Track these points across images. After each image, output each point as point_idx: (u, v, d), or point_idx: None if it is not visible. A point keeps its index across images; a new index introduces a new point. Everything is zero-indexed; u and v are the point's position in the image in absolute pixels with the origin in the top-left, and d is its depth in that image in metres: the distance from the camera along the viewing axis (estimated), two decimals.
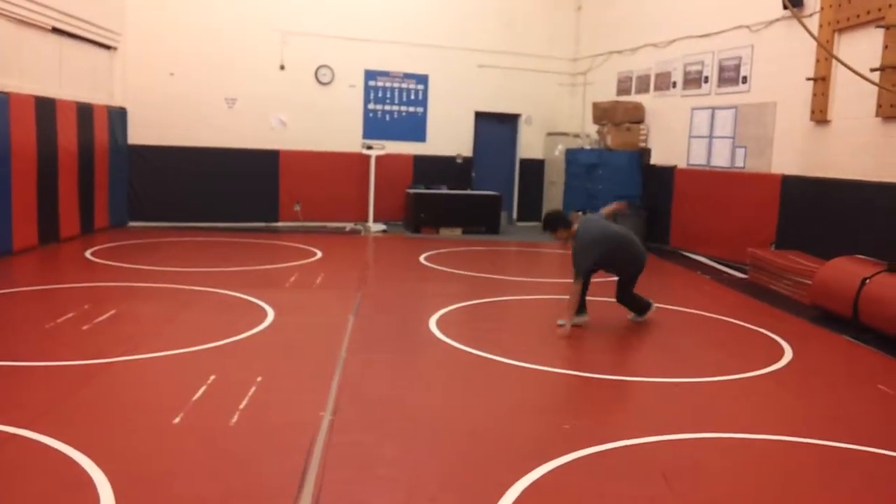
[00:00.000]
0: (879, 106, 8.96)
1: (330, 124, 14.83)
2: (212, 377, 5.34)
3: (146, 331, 6.60)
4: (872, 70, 8.82)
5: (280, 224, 14.63)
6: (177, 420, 4.54)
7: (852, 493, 4.04)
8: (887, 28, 8.79)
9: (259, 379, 5.35)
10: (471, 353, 6.33)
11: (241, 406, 4.81)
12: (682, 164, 13.11)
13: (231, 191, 14.22)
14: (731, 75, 11.97)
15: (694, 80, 12.86)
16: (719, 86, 12.26)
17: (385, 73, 15.25)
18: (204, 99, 13.98)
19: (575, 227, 7.21)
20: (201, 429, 4.45)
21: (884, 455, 4.50)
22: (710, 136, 12.41)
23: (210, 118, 14.06)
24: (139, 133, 13.63)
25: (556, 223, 7.33)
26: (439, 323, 7.25)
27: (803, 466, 4.39)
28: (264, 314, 7.28)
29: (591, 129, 15.25)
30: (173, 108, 13.79)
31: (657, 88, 13.91)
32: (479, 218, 14.79)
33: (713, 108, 12.35)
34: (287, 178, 14.61)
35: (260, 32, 14.21)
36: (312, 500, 3.63)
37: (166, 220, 13.75)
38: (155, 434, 4.37)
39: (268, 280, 9.13)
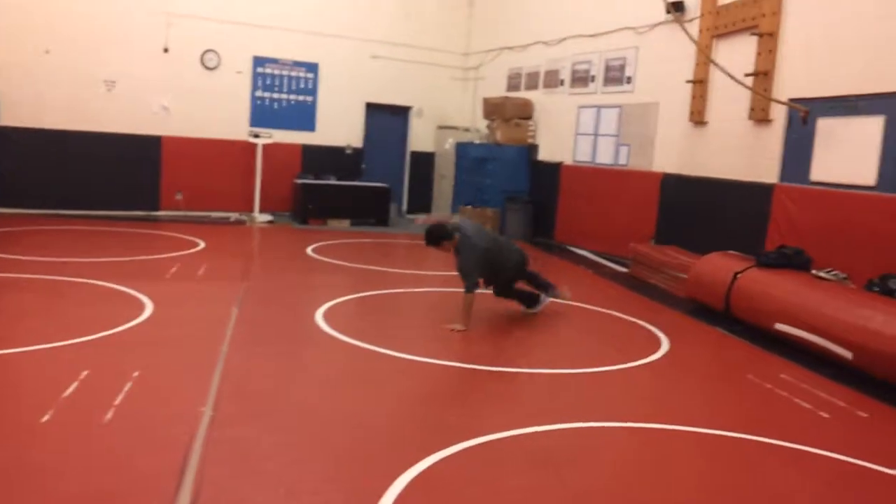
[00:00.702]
0: (752, 109, 9.43)
1: (215, 111, 14.38)
2: (84, 372, 5.08)
3: (12, 324, 6.24)
4: (746, 75, 9.27)
5: (161, 213, 14.09)
6: (45, 418, 4.29)
7: (727, 478, 4.23)
8: (760, 36, 9.25)
9: (136, 374, 5.13)
10: (357, 345, 6.28)
11: (116, 402, 4.60)
12: (568, 161, 13.42)
13: (109, 177, 13.58)
14: (616, 75, 12.33)
15: (581, 78, 13.18)
16: (605, 85, 12.60)
17: (274, 61, 14.91)
18: (81, 80, 13.27)
19: (457, 237, 7.18)
20: (72, 426, 4.23)
21: (754, 441, 4.73)
22: (596, 134, 12.75)
23: (88, 100, 13.36)
24: (9, 113, 12.80)
25: (439, 237, 7.19)
26: (326, 315, 7.16)
27: (681, 453, 4.57)
28: (143, 306, 6.99)
29: (482, 123, 15.41)
30: (48, 89, 13.02)
31: (546, 86, 14.17)
32: (369, 210, 14.69)
33: (599, 107, 12.69)
34: (169, 166, 14.08)
35: (143, 13, 13.60)
36: (191, 498, 3.51)
37: (39, 208, 12.99)
38: (22, 433, 4.12)
39: (147, 271, 8.78)
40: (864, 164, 7.94)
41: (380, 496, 3.63)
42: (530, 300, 7.83)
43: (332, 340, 6.41)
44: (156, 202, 14.09)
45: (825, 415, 5.36)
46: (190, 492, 3.56)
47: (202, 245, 10.83)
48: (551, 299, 7.98)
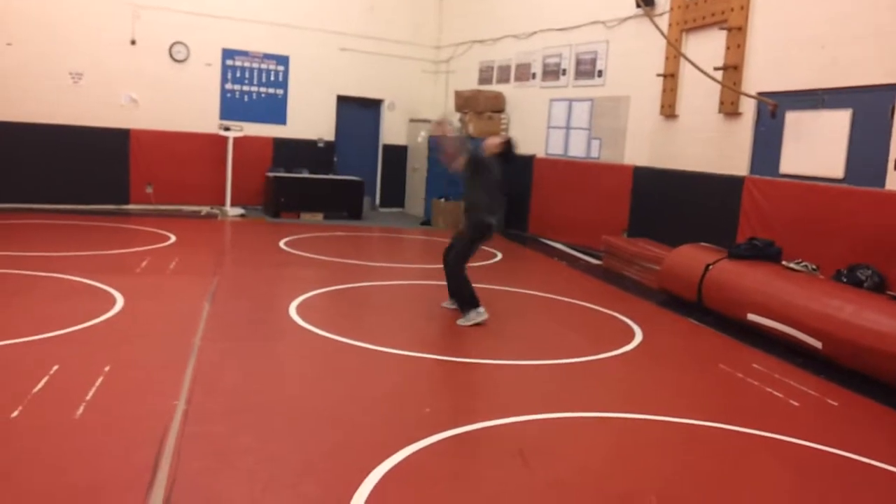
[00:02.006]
0: (721, 103, 9.51)
1: (185, 103, 14.22)
2: (55, 367, 5.01)
3: None
4: (716, 69, 9.34)
5: (131, 207, 13.91)
6: (15, 414, 4.22)
7: (700, 466, 4.27)
8: (729, 30, 9.33)
9: (107, 368, 5.07)
10: (331, 338, 6.25)
11: (88, 397, 4.54)
12: (540, 154, 13.45)
13: (77, 171, 13.38)
14: (587, 69, 12.37)
15: (552, 72, 13.20)
16: (576, 79, 12.64)
17: (244, 53, 14.78)
18: (45, 72, 13.04)
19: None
20: (43, 422, 4.16)
21: (727, 429, 4.78)
22: (568, 127, 12.80)
23: (52, 93, 13.13)
24: None
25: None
26: (299, 309, 7.12)
27: (653, 442, 4.60)
28: (113, 301, 6.90)
29: (454, 116, 15.37)
30: (10, 81, 12.79)
31: (517, 79, 14.19)
32: (342, 203, 14.64)
33: (570, 100, 12.73)
34: (138, 159, 13.90)
35: (109, 4, 13.40)
36: (165, 494, 3.47)
37: (5, 202, 12.75)
38: None
39: (117, 265, 8.67)
40: (832, 157, 8.05)
41: (356, 488, 3.62)
42: (463, 303, 7.18)
43: (305, 334, 6.38)
44: (125, 196, 13.91)
45: (796, 403, 5.44)
46: (164, 487, 3.52)
47: (173, 239, 10.71)
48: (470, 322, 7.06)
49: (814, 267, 7.65)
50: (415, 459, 4.01)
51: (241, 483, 3.65)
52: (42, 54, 12.99)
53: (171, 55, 14.09)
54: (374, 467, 3.84)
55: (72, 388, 4.68)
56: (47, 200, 13.11)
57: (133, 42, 13.68)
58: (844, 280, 7.19)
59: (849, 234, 7.70)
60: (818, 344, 6.39)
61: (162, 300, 7.24)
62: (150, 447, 3.91)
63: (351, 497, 3.54)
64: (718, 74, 9.32)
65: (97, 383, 4.78)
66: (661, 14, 10.61)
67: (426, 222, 14.50)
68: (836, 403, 5.52)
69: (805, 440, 4.67)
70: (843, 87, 7.95)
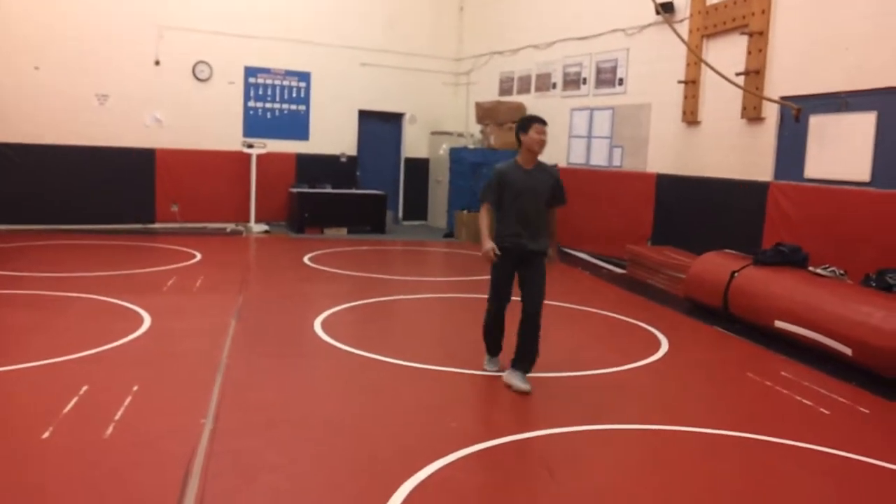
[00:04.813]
0: (744, 108, 9.44)
1: (209, 122, 14.39)
2: (84, 388, 5.06)
3: (9, 340, 6.21)
4: (737, 74, 9.29)
5: (157, 225, 14.07)
6: (46, 435, 4.27)
7: (730, 477, 4.22)
8: (750, 35, 9.27)
9: (135, 388, 5.12)
10: (357, 353, 6.27)
11: (117, 417, 4.58)
12: (562, 163, 13.41)
13: (104, 191, 13.56)
14: (608, 77, 12.35)
15: (573, 81, 13.19)
16: (597, 87, 12.62)
17: (266, 70, 14.92)
18: (72, 94, 13.26)
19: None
20: (73, 442, 4.21)
21: (756, 439, 4.73)
22: (589, 136, 12.77)
23: (79, 115, 13.35)
24: (1, 130, 12.79)
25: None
26: (324, 324, 7.15)
27: (681, 453, 4.57)
28: (140, 320, 6.98)
29: (475, 128, 15.42)
30: (38, 104, 13.01)
31: (538, 89, 14.19)
32: (365, 217, 14.70)
33: (591, 109, 12.71)
34: (164, 178, 14.07)
35: (133, 26, 13.61)
36: None
37: (32, 223, 12.98)
38: (22, 450, 4.09)
39: (144, 284, 8.76)
40: (857, 160, 7.96)
41: None
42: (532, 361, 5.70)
43: (331, 349, 6.40)
44: (151, 214, 14.08)
45: (826, 411, 5.37)
46: None
47: (199, 256, 10.81)
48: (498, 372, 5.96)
49: (841, 272, 7.56)
50: (442, 475, 4.00)
51: (269, 501, 3.67)
52: (68, 77, 13.20)
53: (194, 74, 14.25)
54: (400, 483, 3.84)
55: (101, 408, 4.73)
56: (75, 221, 13.30)
57: (157, 62, 13.87)
58: (873, 285, 7.09)
59: (877, 237, 7.61)
60: (848, 350, 6.31)
61: (189, 318, 7.30)
62: (178, 466, 3.94)
63: None
64: (740, 80, 9.27)
65: (126, 403, 4.83)
66: (681, 21, 10.57)
67: (449, 234, 14.52)
68: (867, 411, 5.44)
69: (836, 449, 4.61)
70: (867, 89, 7.87)
